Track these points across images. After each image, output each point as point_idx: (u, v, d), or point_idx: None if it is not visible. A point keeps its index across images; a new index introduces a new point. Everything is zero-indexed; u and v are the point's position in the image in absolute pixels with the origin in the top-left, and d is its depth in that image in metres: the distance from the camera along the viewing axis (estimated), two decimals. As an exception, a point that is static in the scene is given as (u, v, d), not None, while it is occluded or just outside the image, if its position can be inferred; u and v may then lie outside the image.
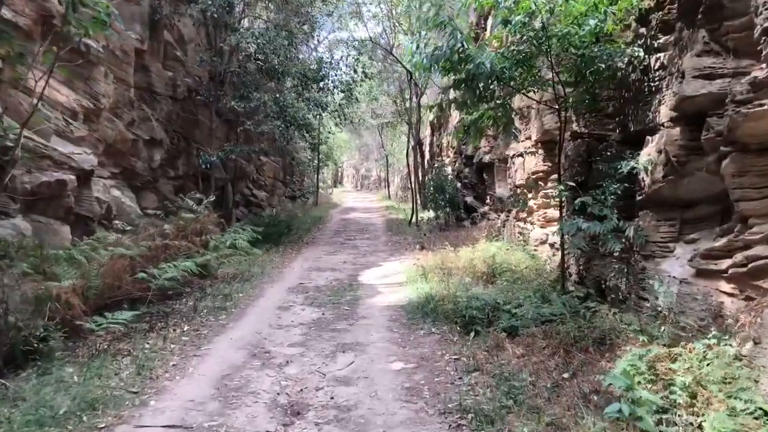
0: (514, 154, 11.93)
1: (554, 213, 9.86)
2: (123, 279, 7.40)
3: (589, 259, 8.10)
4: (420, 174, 30.85)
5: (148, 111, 13.00)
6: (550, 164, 10.10)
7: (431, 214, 22.00)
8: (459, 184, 21.94)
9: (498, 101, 7.47)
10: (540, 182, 10.52)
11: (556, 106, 7.98)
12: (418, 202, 27.70)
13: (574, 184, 8.15)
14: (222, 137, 17.86)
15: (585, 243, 7.77)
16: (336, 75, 16.29)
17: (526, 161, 10.99)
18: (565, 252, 8.10)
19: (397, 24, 29.26)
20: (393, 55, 27.20)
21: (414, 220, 20.92)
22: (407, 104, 31.25)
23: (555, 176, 10.22)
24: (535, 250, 10.48)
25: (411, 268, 10.73)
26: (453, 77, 7.35)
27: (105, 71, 11.25)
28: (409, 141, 28.44)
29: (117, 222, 10.83)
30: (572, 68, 7.48)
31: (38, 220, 8.62)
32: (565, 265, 8.26)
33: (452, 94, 14.66)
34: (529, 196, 11.14)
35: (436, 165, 31.02)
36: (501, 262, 9.55)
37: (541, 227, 10.54)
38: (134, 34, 12.22)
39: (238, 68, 14.95)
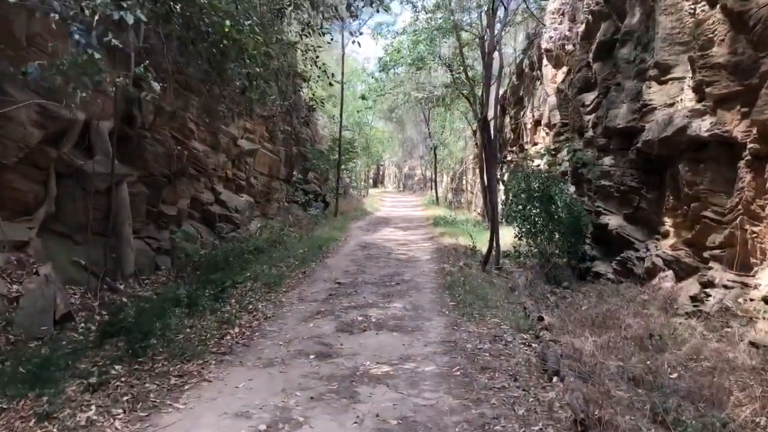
0: None
1: None
2: None
3: None
4: (485, 171, 20.95)
5: None
6: None
7: (514, 237, 12.01)
8: (572, 190, 12.00)
9: None
10: None
11: None
12: (482, 215, 18.08)
13: None
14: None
15: None
16: None
17: None
18: None
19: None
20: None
21: (492, 252, 10.90)
22: (468, 71, 21.38)
23: None
24: None
25: None
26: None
27: None
28: (477, 118, 18.55)
29: None
30: None
31: None
32: None
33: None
34: None
35: (509, 158, 21.05)
36: None
37: None
38: None
39: None
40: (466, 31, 21.78)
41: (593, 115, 10.75)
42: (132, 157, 10.60)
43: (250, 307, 7.18)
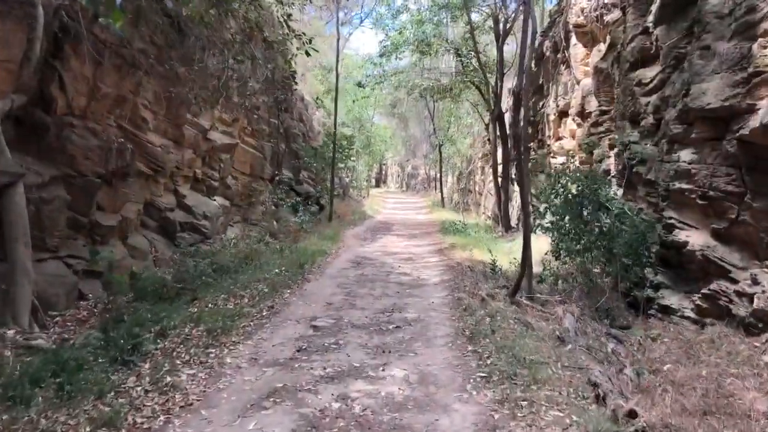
0: None
1: None
2: None
3: None
4: (501, 171, 18.34)
5: None
6: None
7: (545, 254, 9.55)
8: (619, 193, 9.44)
9: None
10: None
11: None
12: (495, 220, 16.02)
13: None
14: None
15: None
16: None
17: None
18: None
19: None
20: None
21: (524, 276, 8.21)
22: (480, 57, 18.78)
23: None
24: None
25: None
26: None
27: None
28: (491, 110, 16.13)
29: None
30: None
31: None
32: None
33: None
34: None
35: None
36: None
37: None
38: None
39: None
40: (478, 12, 19.25)
41: (655, 95, 8.17)
42: (49, 151, 8.06)
43: (168, 380, 4.59)
